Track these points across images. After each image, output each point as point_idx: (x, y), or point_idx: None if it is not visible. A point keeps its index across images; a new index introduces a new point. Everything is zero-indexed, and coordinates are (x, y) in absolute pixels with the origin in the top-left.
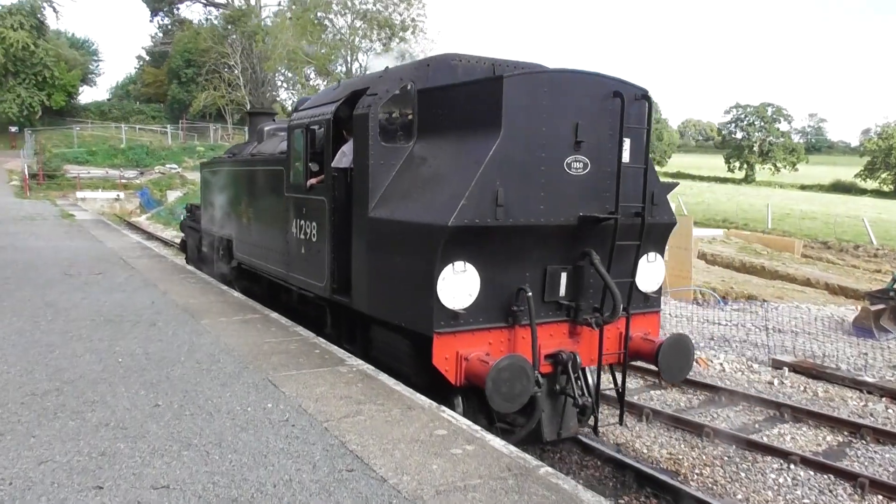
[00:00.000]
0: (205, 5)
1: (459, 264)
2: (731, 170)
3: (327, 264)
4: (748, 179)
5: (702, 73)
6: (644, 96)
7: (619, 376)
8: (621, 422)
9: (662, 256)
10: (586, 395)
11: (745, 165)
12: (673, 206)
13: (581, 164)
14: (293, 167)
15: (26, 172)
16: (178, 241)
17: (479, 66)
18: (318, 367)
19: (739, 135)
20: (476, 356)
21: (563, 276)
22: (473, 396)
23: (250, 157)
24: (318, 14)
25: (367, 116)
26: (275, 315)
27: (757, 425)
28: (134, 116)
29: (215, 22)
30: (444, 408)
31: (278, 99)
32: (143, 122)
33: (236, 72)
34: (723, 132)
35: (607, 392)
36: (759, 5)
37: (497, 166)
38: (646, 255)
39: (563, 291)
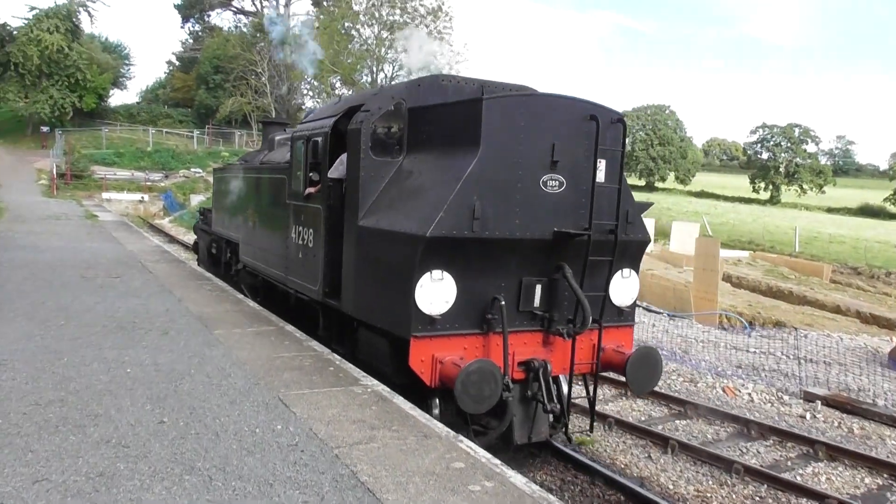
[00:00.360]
0: (235, 13)
1: (437, 272)
2: (755, 190)
3: (321, 269)
4: (773, 201)
5: (727, 93)
6: (619, 120)
7: (594, 387)
8: (591, 430)
9: (637, 273)
10: (555, 402)
11: (771, 186)
12: (697, 225)
13: (557, 182)
14: (294, 176)
15: (54, 172)
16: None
17: (468, 87)
18: (331, 387)
19: (765, 155)
20: (450, 360)
21: (538, 287)
22: (451, 399)
23: (258, 165)
24: (346, 24)
25: (360, 131)
26: (289, 328)
27: (789, 462)
28: (162, 120)
29: (244, 29)
30: (461, 437)
31: (304, 107)
32: (170, 126)
33: (263, 79)
34: (748, 152)
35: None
36: (784, 25)
37: (475, 182)
38: (620, 271)
39: (537, 302)
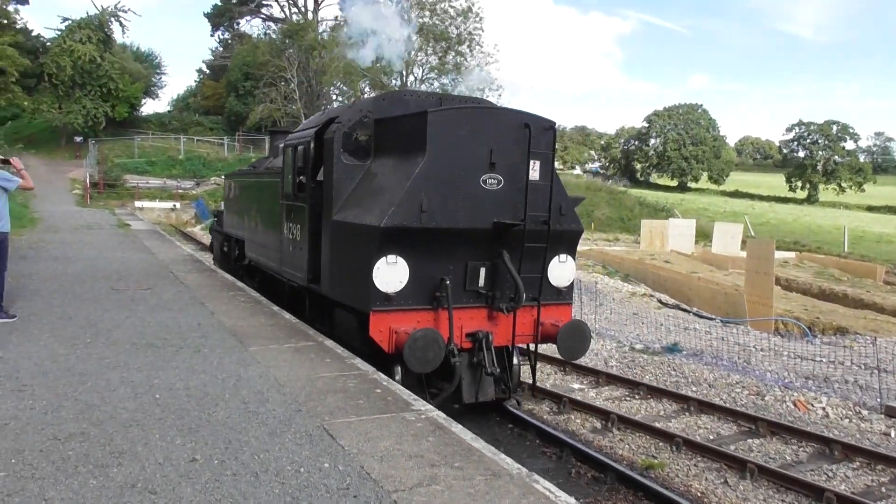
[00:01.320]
0: (264, 20)
1: (391, 257)
2: (792, 189)
3: (306, 259)
4: (811, 200)
5: (760, 91)
6: (550, 128)
7: (534, 357)
8: (533, 394)
9: (573, 259)
10: (496, 367)
11: (808, 185)
12: (740, 226)
13: (495, 180)
14: (285, 179)
15: (87, 181)
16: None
17: (428, 100)
18: (380, 413)
19: (802, 153)
20: (404, 330)
21: (483, 270)
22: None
23: (261, 171)
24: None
25: (333, 140)
26: (329, 343)
27: (884, 489)
28: (193, 128)
29: (273, 36)
30: (535, 475)
31: None
32: (201, 134)
33: (292, 85)
34: (784, 150)
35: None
36: (819, 20)
37: (423, 181)
38: (557, 257)
39: (482, 283)
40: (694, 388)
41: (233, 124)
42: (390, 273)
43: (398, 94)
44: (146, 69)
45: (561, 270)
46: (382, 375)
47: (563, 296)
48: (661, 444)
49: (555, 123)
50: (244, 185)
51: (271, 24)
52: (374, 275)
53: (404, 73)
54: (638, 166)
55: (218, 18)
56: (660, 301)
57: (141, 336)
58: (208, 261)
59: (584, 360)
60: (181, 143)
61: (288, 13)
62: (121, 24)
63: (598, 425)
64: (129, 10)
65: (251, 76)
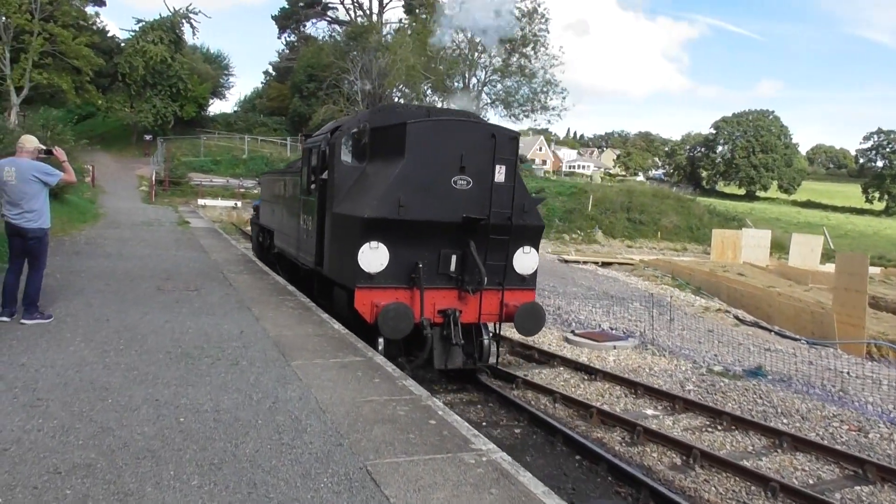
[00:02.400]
0: (329, 23)
1: (374, 243)
2: (868, 200)
3: (314, 245)
4: (889, 211)
5: (835, 98)
6: (514, 137)
7: (498, 330)
8: (497, 361)
9: (537, 251)
10: (461, 339)
11: (887, 196)
12: (820, 239)
13: (465, 181)
14: (303, 177)
15: (153, 179)
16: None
17: (417, 113)
18: (434, 453)
19: (881, 163)
20: (383, 304)
21: (454, 257)
22: (393, 341)
23: (285, 170)
24: (438, 31)
25: (335, 145)
26: (379, 359)
27: None
28: (257, 128)
29: (338, 38)
30: None
31: None
32: (265, 134)
33: (355, 87)
34: (861, 160)
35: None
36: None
37: (401, 180)
38: (521, 248)
39: (453, 268)
40: (785, 421)
41: (296, 125)
42: (373, 256)
43: (392, 106)
44: (214, 70)
45: (524, 260)
46: (438, 402)
47: (527, 282)
48: (753, 487)
49: (518, 134)
50: (274, 183)
51: (336, 26)
52: (359, 257)
53: (466, 75)
54: (704, 173)
55: (285, 21)
56: (736, 317)
57: (177, 344)
58: (260, 261)
59: (658, 382)
60: (245, 142)
61: (353, 16)
62: (191, 25)
63: (678, 461)
64: (199, 11)
65: (315, 78)
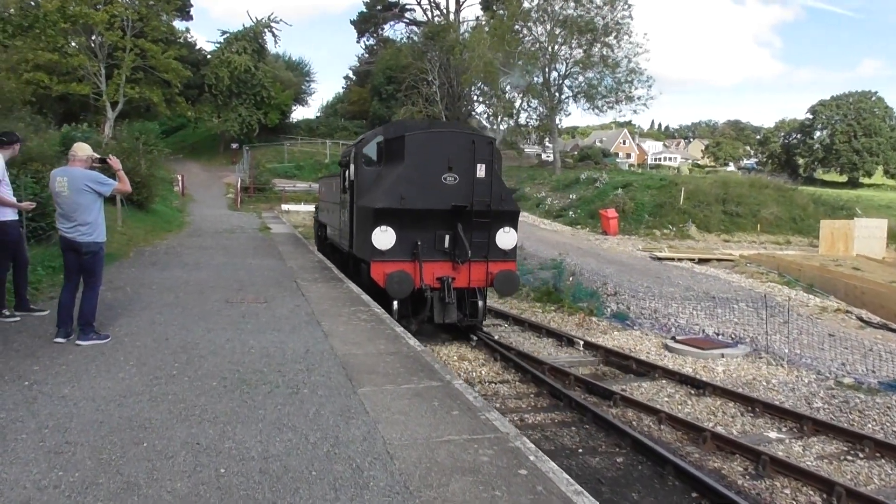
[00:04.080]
0: (407, 24)
1: (384, 227)
2: None
3: (348, 232)
4: None
5: None
6: (490, 142)
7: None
8: (482, 319)
9: (515, 230)
10: (453, 299)
11: None
12: None
13: (453, 178)
14: (341, 179)
15: (238, 186)
16: None
17: (419, 126)
18: None
19: None
20: (391, 272)
21: (447, 237)
22: (403, 303)
23: (334, 173)
24: (517, 25)
25: (357, 154)
26: (458, 384)
27: None
28: (339, 132)
29: (416, 39)
30: None
31: (474, 113)
32: (347, 138)
33: (434, 87)
34: None
35: None
36: None
37: (403, 179)
38: (502, 228)
39: (446, 245)
40: None
41: (376, 127)
42: (383, 237)
43: (403, 122)
44: (296, 77)
45: (505, 238)
46: (528, 444)
47: (508, 255)
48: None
49: (494, 139)
50: (326, 185)
51: (414, 27)
52: (373, 238)
53: (547, 69)
54: (801, 161)
55: (363, 25)
56: (860, 318)
57: (235, 368)
58: (336, 268)
59: (778, 398)
60: (327, 147)
61: (430, 16)
62: (273, 34)
63: (818, 500)
64: (280, 20)
65: (394, 80)
